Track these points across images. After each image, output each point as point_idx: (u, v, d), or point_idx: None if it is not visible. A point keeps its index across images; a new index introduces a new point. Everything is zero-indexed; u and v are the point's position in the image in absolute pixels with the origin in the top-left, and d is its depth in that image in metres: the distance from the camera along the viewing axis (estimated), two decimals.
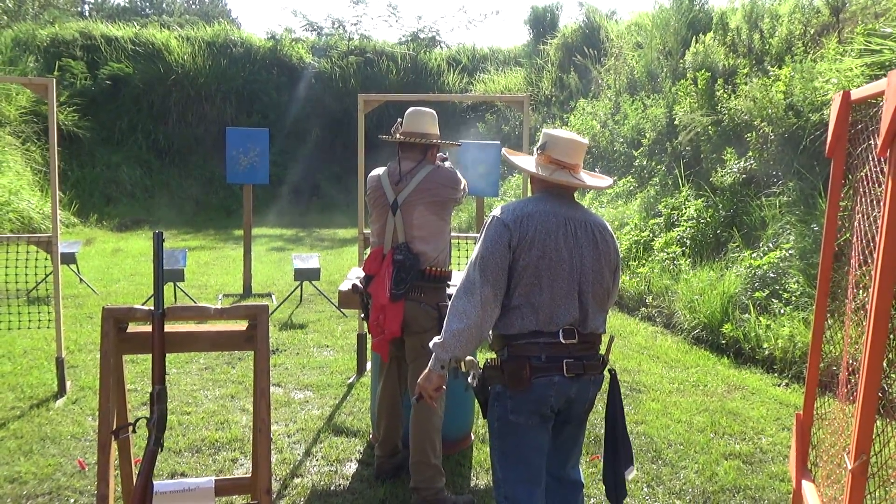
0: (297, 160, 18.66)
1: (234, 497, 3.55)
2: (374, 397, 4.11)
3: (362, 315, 3.90)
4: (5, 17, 23.63)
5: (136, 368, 5.76)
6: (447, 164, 3.82)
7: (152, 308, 2.58)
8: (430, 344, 2.57)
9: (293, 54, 20.25)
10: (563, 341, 2.51)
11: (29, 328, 6.84)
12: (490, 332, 2.60)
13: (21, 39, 18.32)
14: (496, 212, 2.59)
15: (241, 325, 2.84)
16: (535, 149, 2.77)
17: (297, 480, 3.95)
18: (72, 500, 3.64)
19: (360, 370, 5.82)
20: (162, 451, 2.56)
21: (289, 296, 8.63)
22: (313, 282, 8.57)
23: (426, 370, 2.58)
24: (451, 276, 3.75)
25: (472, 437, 4.50)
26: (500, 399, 2.57)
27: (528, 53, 20.83)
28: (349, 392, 5.43)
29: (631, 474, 2.77)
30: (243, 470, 4.05)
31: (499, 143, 7.15)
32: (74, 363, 5.95)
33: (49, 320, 6.81)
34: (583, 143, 2.68)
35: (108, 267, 10.81)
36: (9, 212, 12.12)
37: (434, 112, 3.77)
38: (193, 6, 40.70)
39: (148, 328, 2.65)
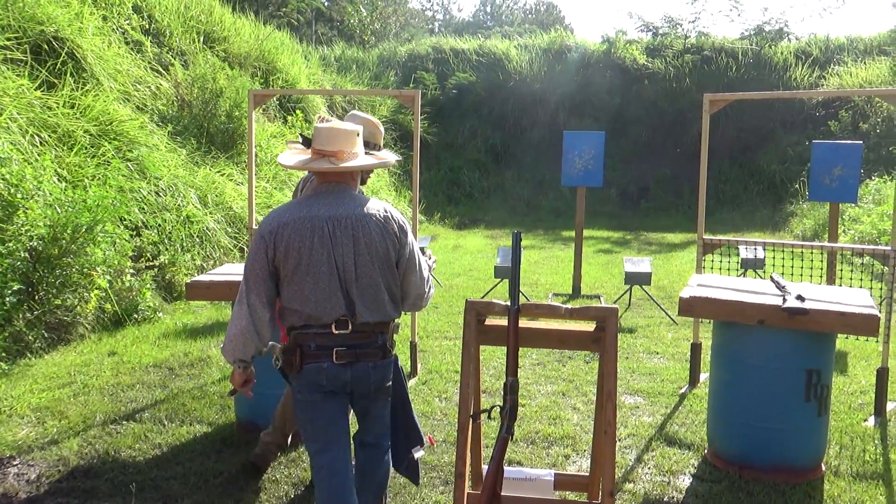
0: (625, 162, 18.52)
1: (568, 492, 3.63)
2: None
3: None
4: (373, 38, 26.94)
5: None
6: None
7: (508, 303, 2.74)
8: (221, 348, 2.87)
9: (626, 56, 20.14)
10: (335, 332, 2.72)
11: None
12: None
13: (384, 56, 20.78)
14: (263, 220, 2.80)
15: (588, 326, 2.89)
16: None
17: (628, 486, 3.92)
18: (422, 473, 4.00)
19: (693, 381, 5.60)
20: (512, 439, 2.71)
21: (618, 299, 8.61)
22: (643, 286, 8.44)
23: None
24: None
25: (824, 468, 4.08)
26: (289, 379, 2.87)
27: (895, 40, 18.31)
28: (681, 402, 5.26)
29: (419, 453, 3.13)
30: (575, 467, 4.13)
31: (860, 143, 6.38)
32: (423, 348, 6.57)
33: None
34: (346, 129, 2.80)
35: (450, 262, 11.75)
36: None
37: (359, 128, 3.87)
38: (531, 16, 42.60)
39: (501, 322, 2.83)
